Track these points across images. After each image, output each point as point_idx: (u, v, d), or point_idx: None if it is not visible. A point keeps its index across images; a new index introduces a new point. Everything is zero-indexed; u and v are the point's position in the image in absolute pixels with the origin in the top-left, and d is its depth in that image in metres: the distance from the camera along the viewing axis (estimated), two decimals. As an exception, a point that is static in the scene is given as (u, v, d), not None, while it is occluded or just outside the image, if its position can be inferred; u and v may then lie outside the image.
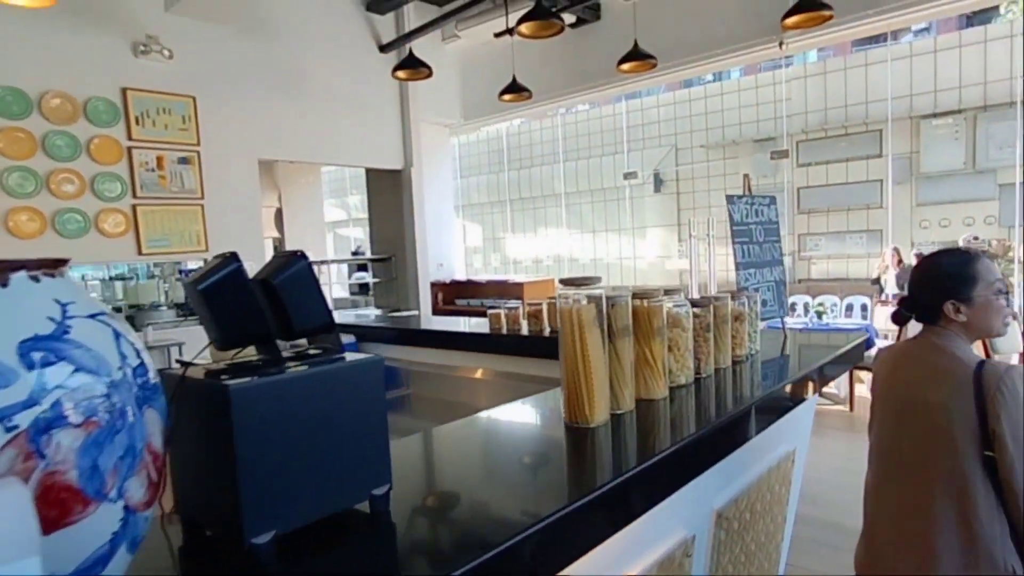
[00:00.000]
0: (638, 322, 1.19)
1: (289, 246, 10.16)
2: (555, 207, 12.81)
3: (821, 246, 10.72)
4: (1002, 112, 9.27)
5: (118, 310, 4.67)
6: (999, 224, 9.47)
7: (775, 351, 1.82)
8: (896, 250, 8.30)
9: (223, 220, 5.11)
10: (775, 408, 1.39)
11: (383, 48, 6.52)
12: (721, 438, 1.14)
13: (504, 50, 6.80)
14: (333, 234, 13.48)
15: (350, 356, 0.71)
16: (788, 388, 1.44)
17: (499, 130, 12.96)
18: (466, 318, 3.28)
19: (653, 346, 1.21)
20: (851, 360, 1.85)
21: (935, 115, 9.88)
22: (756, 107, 11.14)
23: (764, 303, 1.82)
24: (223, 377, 0.60)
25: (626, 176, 9.83)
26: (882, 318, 6.23)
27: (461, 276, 8.80)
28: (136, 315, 4.74)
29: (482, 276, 9.37)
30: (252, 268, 0.67)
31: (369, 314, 6.65)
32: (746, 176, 1.90)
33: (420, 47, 6.39)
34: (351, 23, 6.32)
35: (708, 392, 1.35)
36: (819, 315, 5.33)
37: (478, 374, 2.48)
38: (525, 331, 2.43)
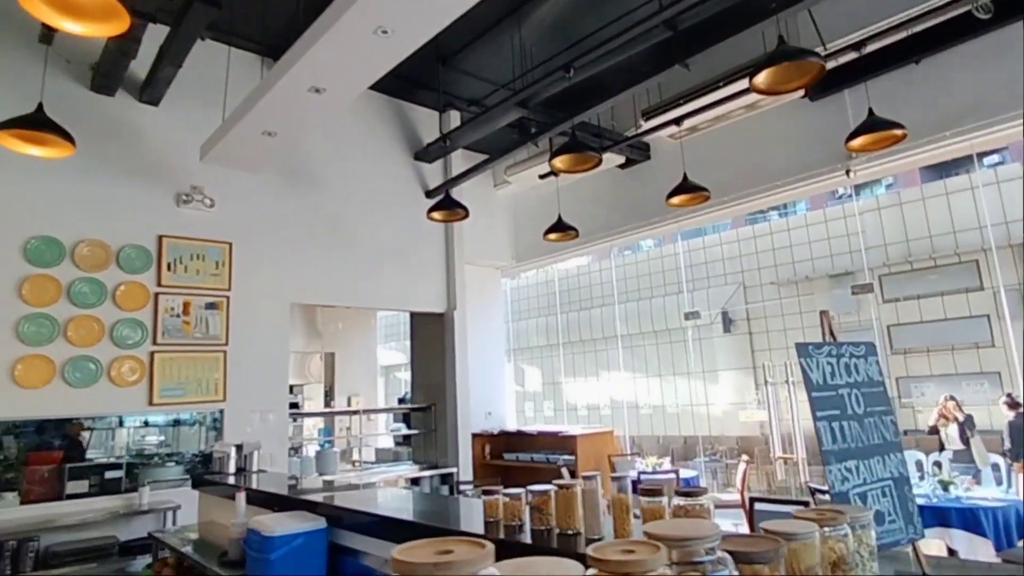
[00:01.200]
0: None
1: (339, 392, 9.85)
2: (615, 349, 12.15)
3: (927, 392, 9.34)
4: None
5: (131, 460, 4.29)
6: None
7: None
8: (953, 398, 7.13)
9: (245, 367, 4.81)
10: None
11: (429, 194, 6.52)
12: None
13: (554, 192, 6.68)
14: (387, 378, 13.22)
15: None
16: None
17: (555, 271, 12.85)
18: (478, 499, 2.61)
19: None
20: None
21: (1040, 241, 8.88)
22: (827, 241, 10.49)
23: (878, 519, 1.12)
24: None
25: (688, 316, 9.17)
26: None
27: (511, 426, 8.07)
28: (140, 471, 4.32)
29: (534, 426, 8.61)
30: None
31: (396, 474, 6.01)
32: (824, 313, 1.29)
33: (470, 193, 6.35)
34: (398, 172, 6.40)
35: None
36: (944, 487, 4.19)
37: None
38: (527, 528, 1.77)
